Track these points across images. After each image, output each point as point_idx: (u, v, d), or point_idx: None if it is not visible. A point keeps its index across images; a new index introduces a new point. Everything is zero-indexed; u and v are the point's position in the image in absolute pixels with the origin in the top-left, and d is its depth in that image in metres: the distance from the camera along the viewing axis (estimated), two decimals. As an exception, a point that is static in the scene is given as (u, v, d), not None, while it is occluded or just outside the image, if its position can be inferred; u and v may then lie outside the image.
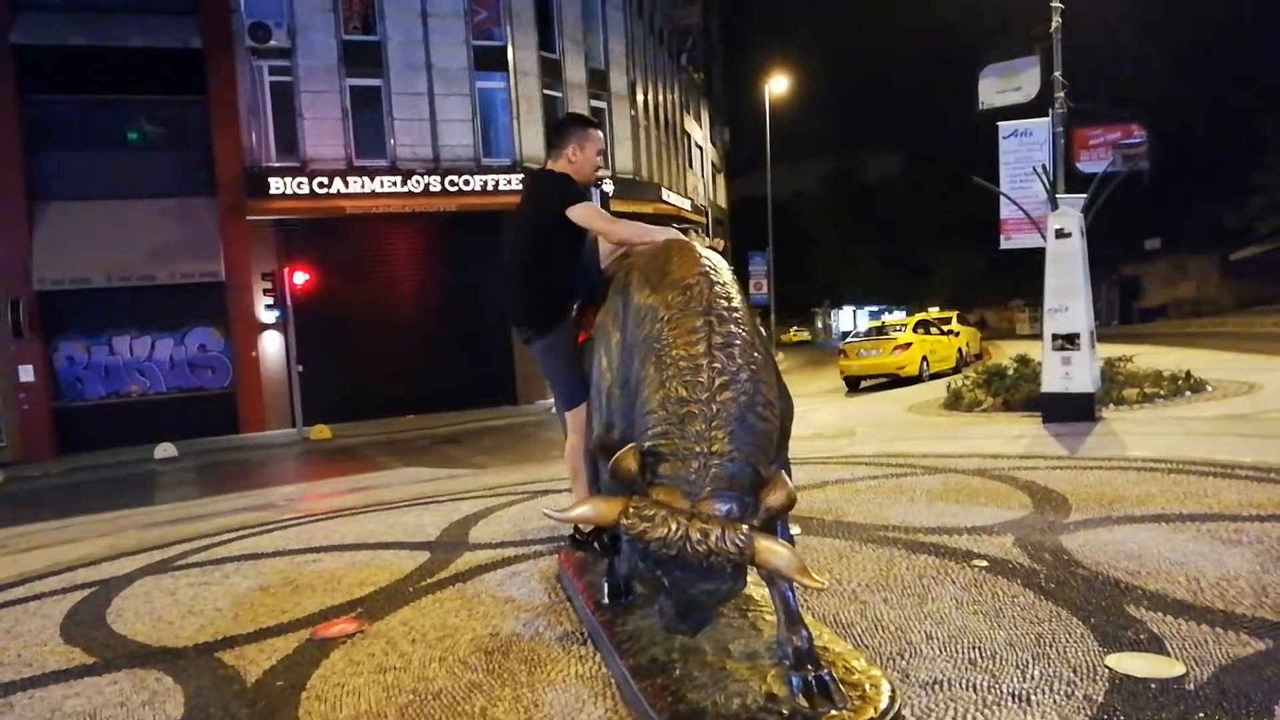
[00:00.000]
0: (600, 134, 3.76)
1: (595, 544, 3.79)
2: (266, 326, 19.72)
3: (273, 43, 19.14)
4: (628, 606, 3.24)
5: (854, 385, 17.96)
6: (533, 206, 3.64)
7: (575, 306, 3.82)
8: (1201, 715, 2.27)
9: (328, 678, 3.10)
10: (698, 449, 2.30)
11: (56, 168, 18.67)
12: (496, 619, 3.61)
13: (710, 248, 3.12)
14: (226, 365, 19.88)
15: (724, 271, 2.84)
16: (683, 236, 3.29)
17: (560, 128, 3.75)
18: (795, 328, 63.09)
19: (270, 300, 19.12)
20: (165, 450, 16.46)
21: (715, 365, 2.44)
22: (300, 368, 19.43)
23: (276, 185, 19.03)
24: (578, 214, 3.44)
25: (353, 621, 3.74)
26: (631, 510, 2.22)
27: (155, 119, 19.98)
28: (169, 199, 19.21)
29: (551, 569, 4.31)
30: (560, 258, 3.54)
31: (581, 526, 3.80)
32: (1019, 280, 38.48)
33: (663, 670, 2.63)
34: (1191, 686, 2.44)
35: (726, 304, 2.63)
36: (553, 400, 4.05)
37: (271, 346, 19.84)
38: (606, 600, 3.33)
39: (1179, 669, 2.55)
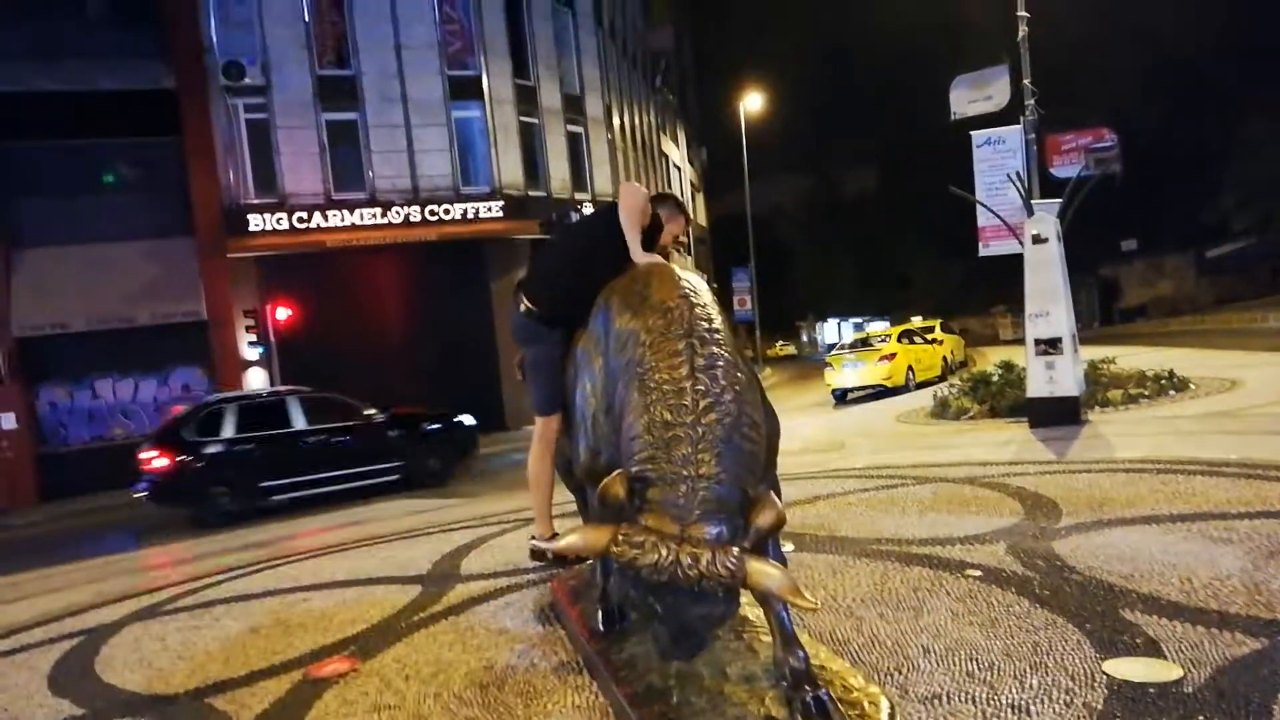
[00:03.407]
0: (685, 225, 3.96)
1: (547, 556, 3.80)
2: (251, 363, 19.58)
3: (247, 80, 19.14)
4: (623, 633, 3.21)
5: (841, 398, 17.98)
6: (614, 222, 3.61)
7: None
8: (1201, 718, 2.26)
9: (322, 719, 3.05)
10: (685, 473, 2.29)
11: (32, 214, 18.53)
12: (491, 651, 3.58)
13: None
14: (211, 404, 19.71)
15: (704, 293, 2.84)
16: (663, 260, 3.29)
17: (665, 197, 3.97)
18: (780, 342, 63.19)
19: (254, 337, 19.01)
20: (152, 493, 16.26)
21: (699, 388, 2.43)
22: (287, 404, 19.28)
23: (256, 222, 18.97)
24: (629, 196, 3.57)
25: (345, 660, 3.69)
26: (621, 537, 2.21)
27: (130, 161, 19.90)
28: (147, 240, 19.09)
29: (545, 598, 4.28)
30: (602, 276, 3.46)
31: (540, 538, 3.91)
32: (1000, 286, 38.75)
33: (660, 697, 2.61)
34: (1190, 689, 2.44)
35: (708, 325, 2.63)
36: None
37: (256, 383, 19.66)
38: (601, 628, 3.30)
39: (1176, 672, 2.55)
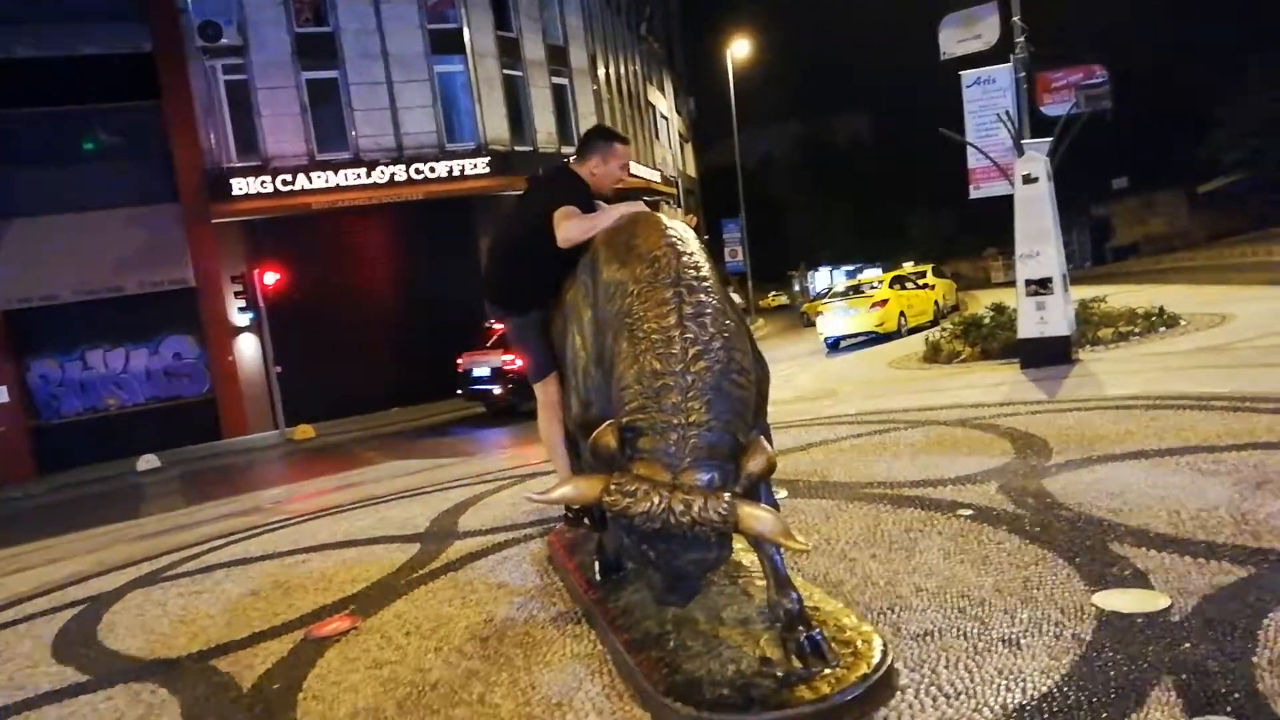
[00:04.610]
0: (625, 149, 3.71)
1: (585, 519, 3.80)
2: (241, 330, 19.52)
3: (224, 41, 18.80)
4: (619, 582, 3.25)
5: (834, 345, 18.01)
6: (544, 197, 3.56)
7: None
8: (1188, 645, 2.30)
9: (324, 677, 3.09)
10: (675, 421, 2.29)
11: (13, 184, 18.29)
12: (490, 605, 3.61)
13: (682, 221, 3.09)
14: (203, 371, 19.70)
15: (691, 241, 2.82)
16: (645, 208, 3.26)
17: (587, 140, 3.74)
18: (774, 293, 63.03)
19: (243, 303, 18.91)
20: (148, 462, 16.32)
21: (688, 336, 2.42)
22: (279, 369, 19.28)
23: (239, 186, 18.76)
24: (557, 223, 3.36)
25: (346, 619, 3.73)
26: (613, 487, 2.22)
27: (113, 127, 19.60)
28: (131, 207, 18.90)
29: (542, 551, 4.31)
30: (549, 252, 3.45)
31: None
32: (992, 230, 38.50)
33: (657, 643, 2.64)
34: (1177, 618, 2.48)
35: (695, 274, 2.61)
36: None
37: (248, 349, 19.66)
38: (598, 578, 3.34)
39: (1164, 601, 2.58)
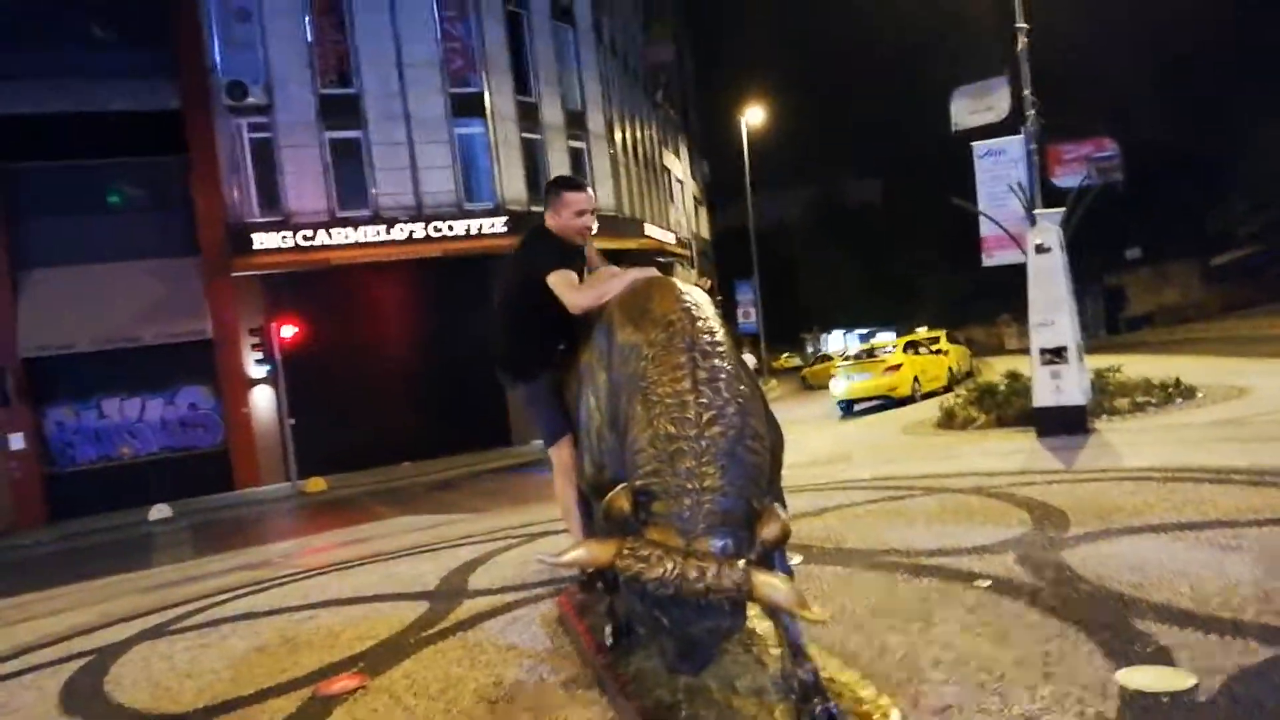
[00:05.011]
0: (576, 195, 3.69)
1: (598, 582, 3.76)
2: (256, 381, 19.65)
3: (250, 100, 19.28)
4: (631, 648, 3.20)
5: (847, 409, 17.94)
6: (522, 261, 3.65)
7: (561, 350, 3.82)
8: (1214, 727, 2.25)
9: (330, 737, 3.05)
10: (689, 486, 2.28)
11: (38, 234, 18.68)
12: (499, 667, 3.56)
13: (697, 286, 3.12)
14: (218, 422, 19.78)
15: (705, 306, 2.84)
16: (658, 273, 3.28)
17: (544, 192, 3.80)
18: (786, 354, 63.12)
19: (259, 355, 19.07)
20: (160, 511, 16.30)
21: (702, 400, 2.42)
22: (292, 421, 19.32)
23: (260, 240, 19.06)
24: (551, 284, 3.43)
25: (354, 677, 3.68)
26: (626, 551, 2.20)
27: (137, 181, 20.08)
28: (153, 259, 19.25)
29: (553, 612, 4.27)
30: (545, 312, 3.51)
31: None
32: (1005, 296, 38.57)
33: (669, 711, 2.60)
34: (1203, 698, 2.42)
35: (710, 338, 2.63)
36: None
37: (262, 401, 19.75)
38: (609, 642, 3.29)
39: (1189, 680, 2.53)
